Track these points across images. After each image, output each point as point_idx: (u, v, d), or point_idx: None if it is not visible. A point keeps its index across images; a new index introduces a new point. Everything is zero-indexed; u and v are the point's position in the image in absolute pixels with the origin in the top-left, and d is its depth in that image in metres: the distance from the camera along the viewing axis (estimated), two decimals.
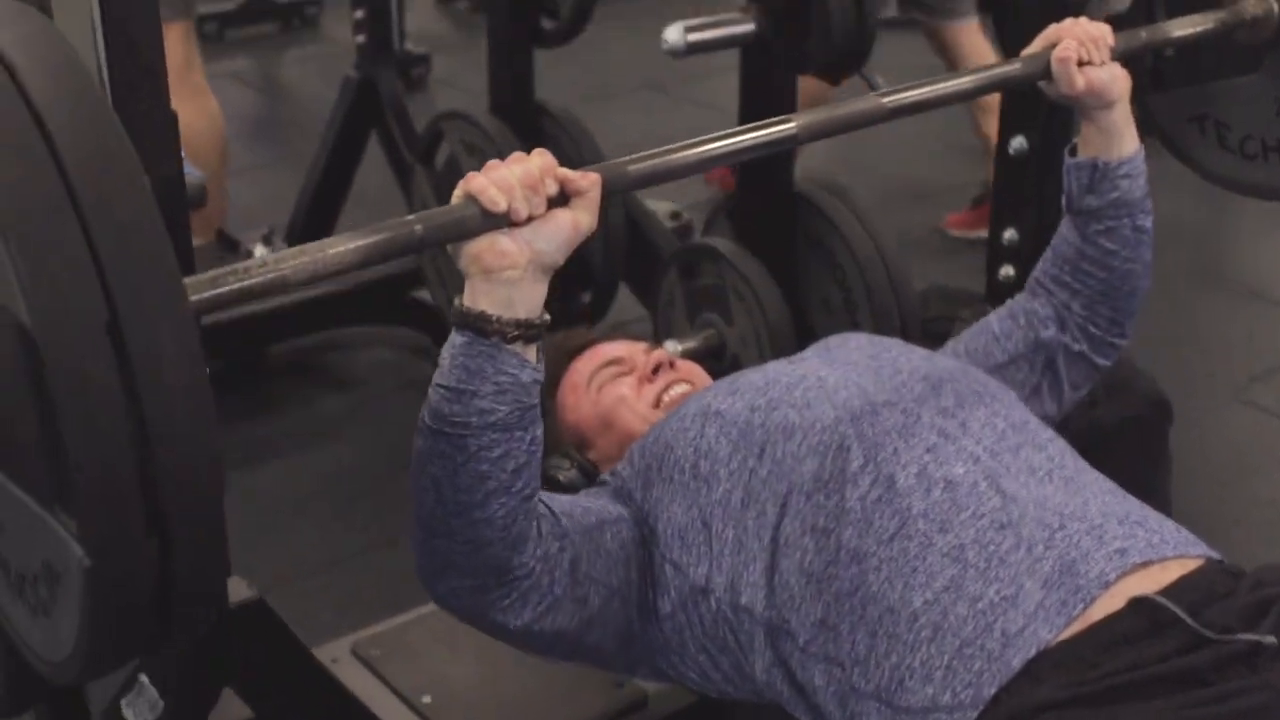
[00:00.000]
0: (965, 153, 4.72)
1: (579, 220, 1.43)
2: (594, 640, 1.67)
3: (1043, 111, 2.32)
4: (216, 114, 3.81)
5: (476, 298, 1.42)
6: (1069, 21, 1.87)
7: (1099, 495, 1.60)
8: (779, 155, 2.72)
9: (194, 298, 1.21)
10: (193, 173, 3.65)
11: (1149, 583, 1.48)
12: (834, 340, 1.91)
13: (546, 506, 1.59)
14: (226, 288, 1.25)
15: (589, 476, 1.96)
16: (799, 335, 2.73)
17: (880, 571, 1.54)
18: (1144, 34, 2.04)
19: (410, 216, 1.37)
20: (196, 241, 3.67)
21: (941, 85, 1.80)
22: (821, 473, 1.61)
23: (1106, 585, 1.47)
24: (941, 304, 2.97)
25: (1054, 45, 1.84)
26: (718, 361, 2.75)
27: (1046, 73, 1.83)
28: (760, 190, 2.78)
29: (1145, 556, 1.51)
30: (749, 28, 2.58)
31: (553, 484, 1.84)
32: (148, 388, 1.09)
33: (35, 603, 1.19)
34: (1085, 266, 1.90)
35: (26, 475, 1.14)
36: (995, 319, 1.96)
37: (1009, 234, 2.41)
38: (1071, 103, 1.87)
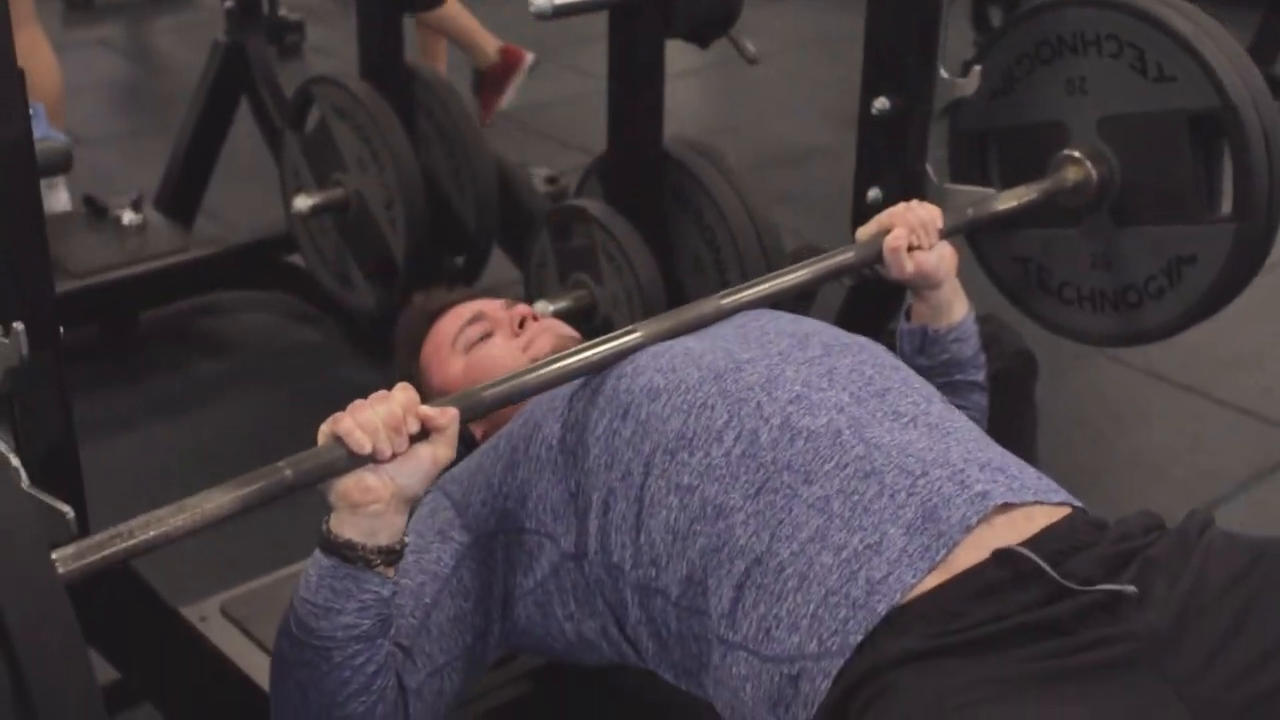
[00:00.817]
0: (833, 117, 4.77)
1: (438, 454, 1.54)
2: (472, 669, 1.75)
3: (905, 71, 2.35)
4: (55, 67, 3.80)
5: (342, 526, 1.52)
6: (901, 207, 2.02)
7: (962, 441, 1.62)
8: (648, 115, 2.74)
9: (80, 563, 1.32)
10: (58, 136, 3.63)
11: (1012, 532, 1.51)
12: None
13: (403, 650, 1.65)
14: (110, 550, 1.35)
15: (463, 440, 1.97)
16: (669, 294, 2.75)
17: (747, 526, 1.55)
18: (970, 211, 2.24)
19: (280, 463, 1.47)
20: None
21: (776, 281, 1.93)
22: (685, 430, 1.63)
23: (968, 529, 1.49)
24: None
25: (886, 231, 1.98)
26: (588, 322, 2.76)
27: (879, 258, 1.98)
28: (630, 151, 2.79)
29: (1005, 499, 1.53)
30: None
31: None
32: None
33: None
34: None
35: None
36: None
37: (873, 193, 2.43)
38: (903, 284, 2.00)
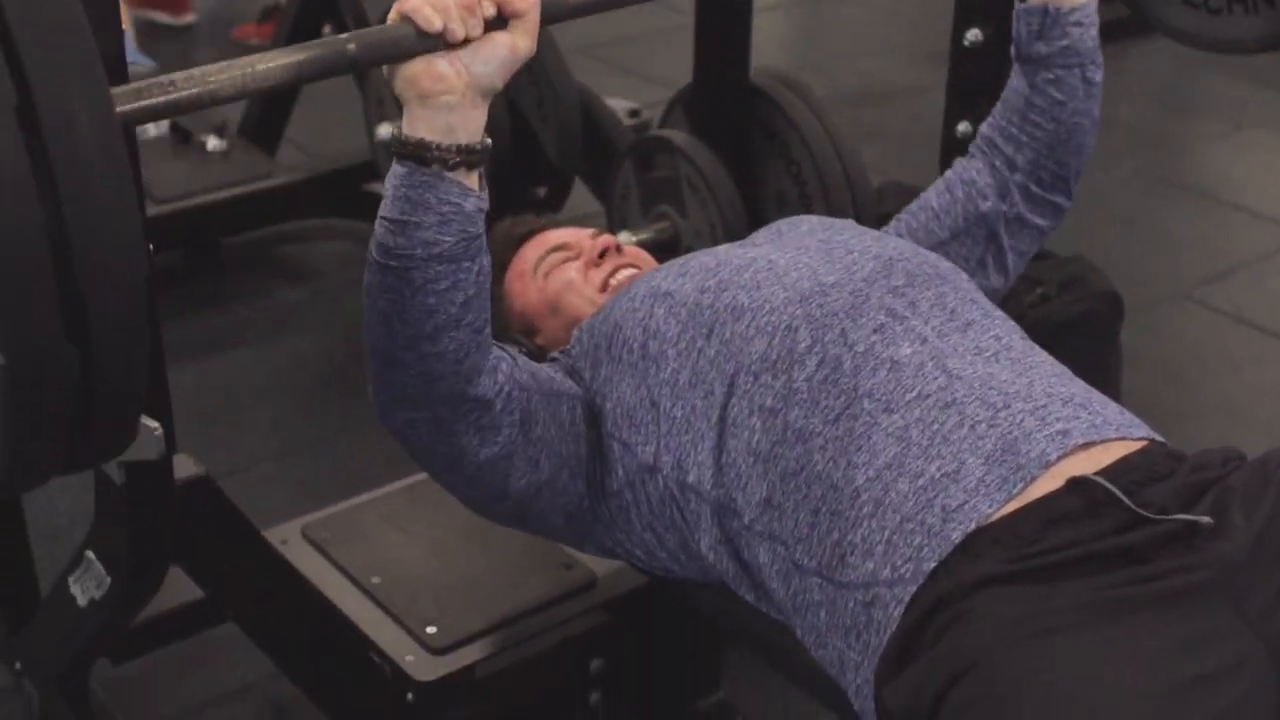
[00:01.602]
0: (919, 53, 4.71)
1: (517, 44, 1.42)
2: (541, 507, 1.68)
3: (999, 2, 2.31)
4: None
5: (415, 125, 1.41)
6: None
7: (1045, 376, 1.60)
8: (736, 46, 2.72)
9: (120, 108, 1.19)
10: (145, 61, 3.65)
11: (1089, 464, 1.48)
12: (785, 224, 1.90)
13: (511, 356, 1.60)
14: (152, 100, 1.23)
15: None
16: (753, 229, 2.72)
17: (825, 451, 1.54)
18: None
19: (343, 35, 1.34)
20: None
21: None
22: (769, 353, 1.61)
23: (1047, 465, 1.48)
24: (897, 200, 2.96)
25: None
26: (671, 253, 2.74)
27: None
28: (716, 83, 2.77)
29: (1087, 438, 1.51)
30: None
31: None
32: (66, 178, 1.07)
33: None
34: (1033, 117, 1.88)
35: None
36: (934, 194, 1.95)
37: (963, 126, 2.40)
38: None
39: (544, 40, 3.19)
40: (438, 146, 1.40)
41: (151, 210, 3.34)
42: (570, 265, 1.95)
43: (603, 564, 2.04)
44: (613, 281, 1.91)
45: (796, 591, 1.56)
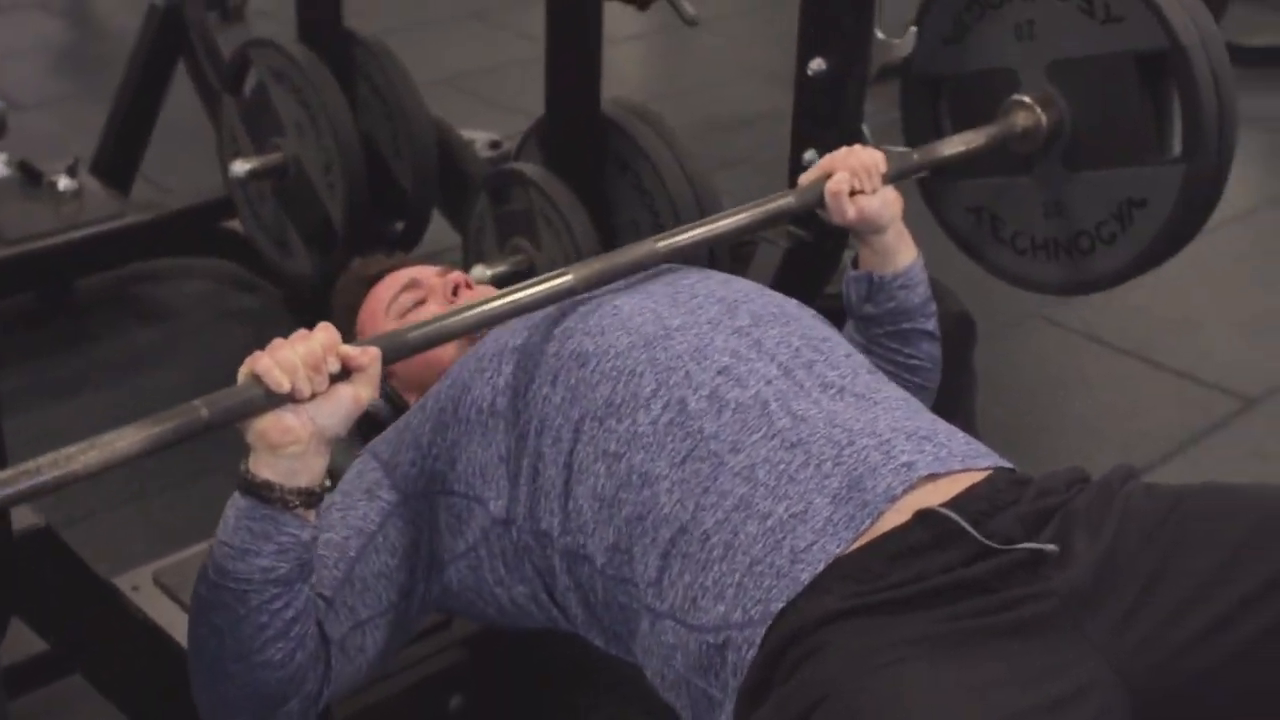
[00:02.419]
0: (775, 80, 4.74)
1: (359, 394, 1.50)
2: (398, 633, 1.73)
3: (841, 32, 2.34)
4: None
5: (260, 467, 1.48)
6: (844, 151, 1.98)
7: (890, 411, 1.62)
8: (587, 77, 2.72)
9: None
10: None
11: (936, 496, 1.51)
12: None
13: (324, 604, 1.63)
14: (16, 488, 1.31)
15: (395, 405, 1.96)
16: None
17: (672, 494, 1.55)
18: (916, 156, 2.20)
19: (196, 401, 1.42)
20: None
21: (714, 224, 1.91)
22: (613, 398, 1.62)
23: (893, 499, 1.50)
24: None
25: (828, 176, 1.94)
26: None
27: (821, 203, 1.95)
28: (568, 114, 2.77)
29: (932, 469, 1.53)
30: None
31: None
32: None
33: None
34: (874, 356, 1.97)
35: None
36: None
37: (809, 154, 2.41)
38: (845, 229, 1.97)
39: (398, 74, 3.19)
40: (281, 488, 1.48)
41: (1, 252, 3.29)
42: (424, 309, 1.95)
43: None
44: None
45: (649, 634, 1.56)
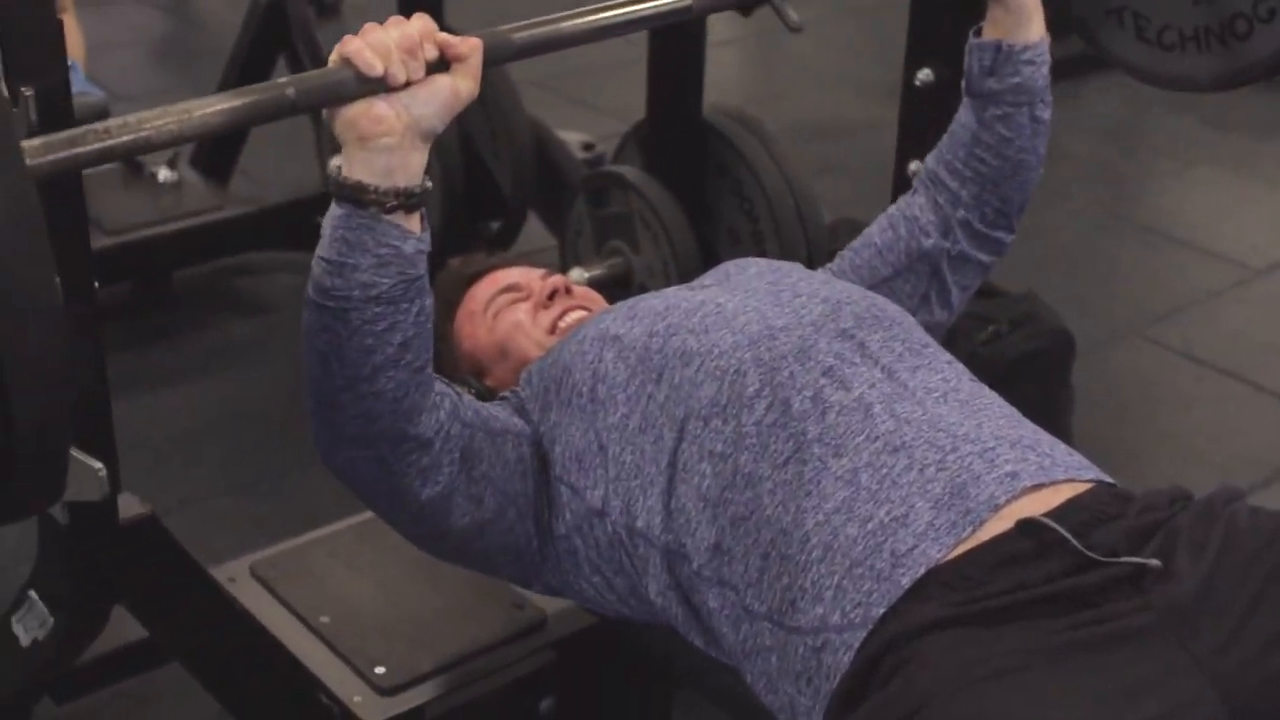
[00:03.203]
0: (874, 88, 4.73)
1: (459, 87, 1.41)
2: (486, 545, 1.66)
3: (952, 42, 2.32)
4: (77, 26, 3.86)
5: (353, 166, 1.39)
6: None
7: (993, 419, 1.60)
8: (689, 82, 2.72)
9: (52, 156, 1.20)
10: (94, 91, 3.62)
11: (1038, 505, 1.48)
12: (733, 266, 1.90)
13: (456, 394, 1.58)
14: (86, 147, 1.22)
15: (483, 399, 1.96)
16: (705, 265, 2.73)
17: (774, 495, 1.54)
18: None
19: (282, 80, 1.33)
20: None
21: None
22: (719, 398, 1.61)
23: (996, 508, 1.48)
24: (849, 237, 2.96)
25: None
26: (624, 289, 2.75)
27: None
28: (669, 119, 2.77)
29: (1036, 480, 1.51)
30: None
31: None
32: None
33: None
34: (978, 152, 1.87)
35: None
36: (876, 230, 1.95)
37: (914, 165, 2.38)
38: None
39: (497, 73, 3.19)
40: (375, 189, 1.39)
41: (101, 242, 3.33)
42: (519, 306, 1.93)
43: (552, 603, 2.03)
44: (561, 324, 1.90)
45: (746, 636, 1.55)
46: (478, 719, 2.02)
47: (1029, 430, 1.62)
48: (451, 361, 1.94)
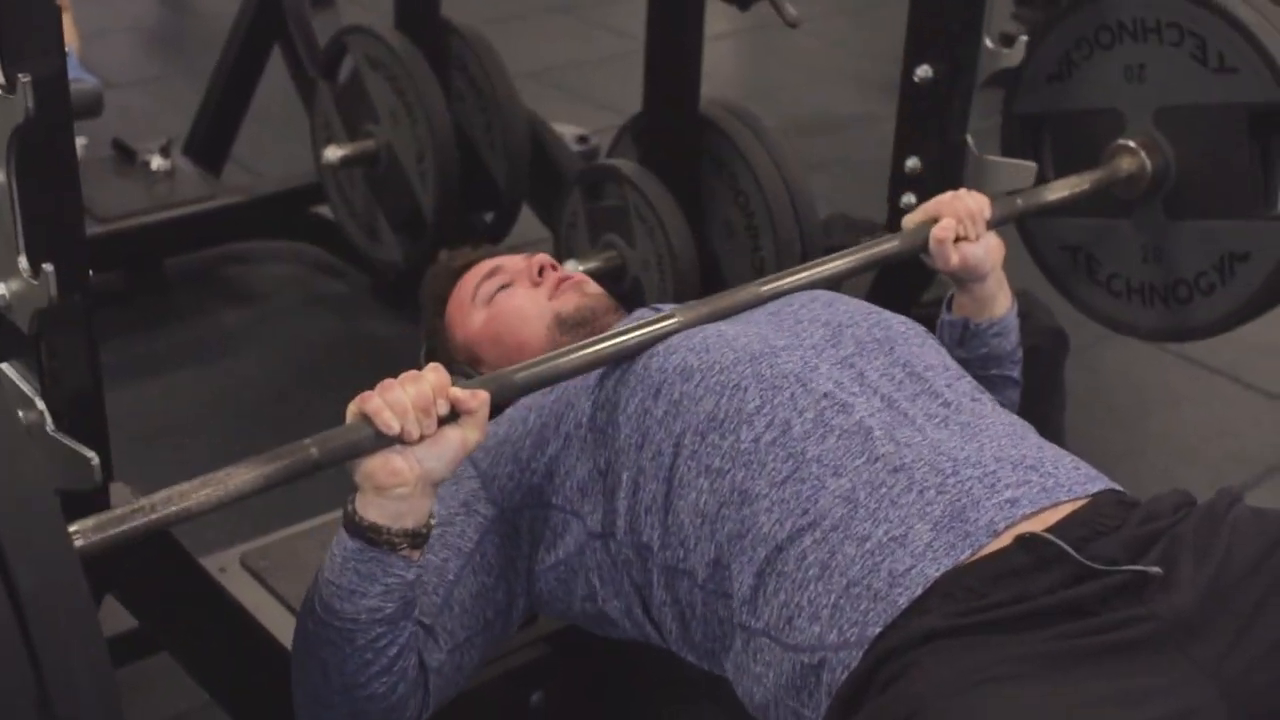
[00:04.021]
0: (871, 83, 4.73)
1: (467, 437, 1.51)
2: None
3: (951, 39, 2.32)
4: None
5: (367, 508, 1.49)
6: (949, 195, 1.97)
7: (995, 439, 1.61)
8: (686, 76, 2.71)
9: (100, 536, 1.32)
10: (89, 78, 3.61)
11: (1038, 523, 1.49)
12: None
13: (427, 629, 1.64)
14: (131, 524, 1.34)
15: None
16: (701, 258, 2.73)
17: (771, 514, 1.54)
18: (1020, 201, 2.19)
19: (306, 440, 1.44)
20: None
21: (819, 268, 1.90)
22: (717, 412, 1.61)
23: (995, 534, 1.48)
24: (844, 231, 2.98)
25: (934, 220, 1.94)
26: (618, 283, 2.74)
27: (925, 248, 1.95)
28: (666, 112, 2.76)
29: (1037, 505, 1.51)
30: None
31: None
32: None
33: None
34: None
35: None
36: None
37: (911, 162, 2.40)
38: (947, 275, 1.96)
39: (494, 66, 3.19)
40: (388, 530, 1.49)
41: (93, 229, 3.31)
42: (515, 291, 1.95)
43: None
44: (559, 299, 1.93)
45: (742, 651, 1.56)
46: (468, 711, 2.00)
47: (1032, 447, 1.62)
48: (446, 355, 1.95)
